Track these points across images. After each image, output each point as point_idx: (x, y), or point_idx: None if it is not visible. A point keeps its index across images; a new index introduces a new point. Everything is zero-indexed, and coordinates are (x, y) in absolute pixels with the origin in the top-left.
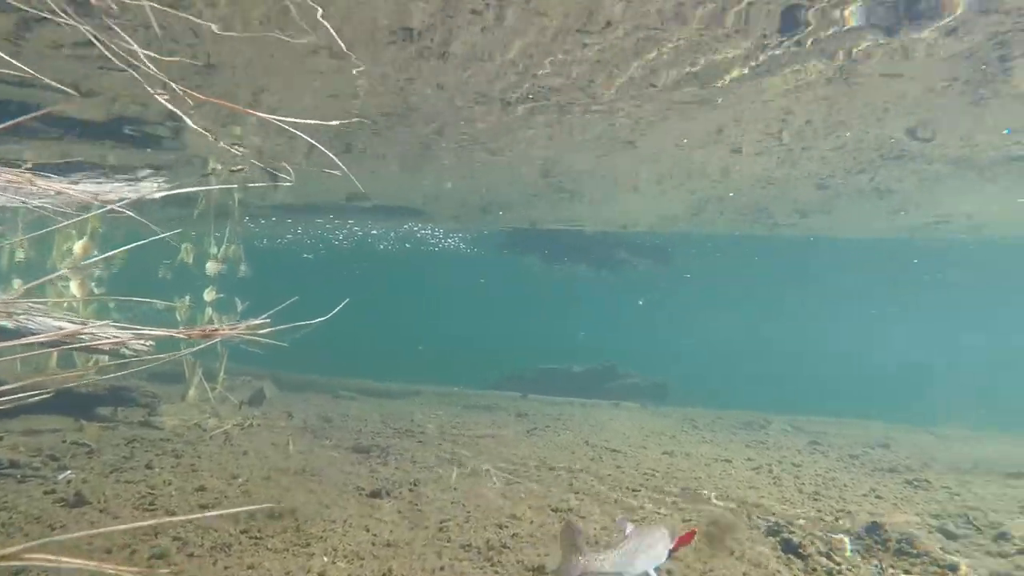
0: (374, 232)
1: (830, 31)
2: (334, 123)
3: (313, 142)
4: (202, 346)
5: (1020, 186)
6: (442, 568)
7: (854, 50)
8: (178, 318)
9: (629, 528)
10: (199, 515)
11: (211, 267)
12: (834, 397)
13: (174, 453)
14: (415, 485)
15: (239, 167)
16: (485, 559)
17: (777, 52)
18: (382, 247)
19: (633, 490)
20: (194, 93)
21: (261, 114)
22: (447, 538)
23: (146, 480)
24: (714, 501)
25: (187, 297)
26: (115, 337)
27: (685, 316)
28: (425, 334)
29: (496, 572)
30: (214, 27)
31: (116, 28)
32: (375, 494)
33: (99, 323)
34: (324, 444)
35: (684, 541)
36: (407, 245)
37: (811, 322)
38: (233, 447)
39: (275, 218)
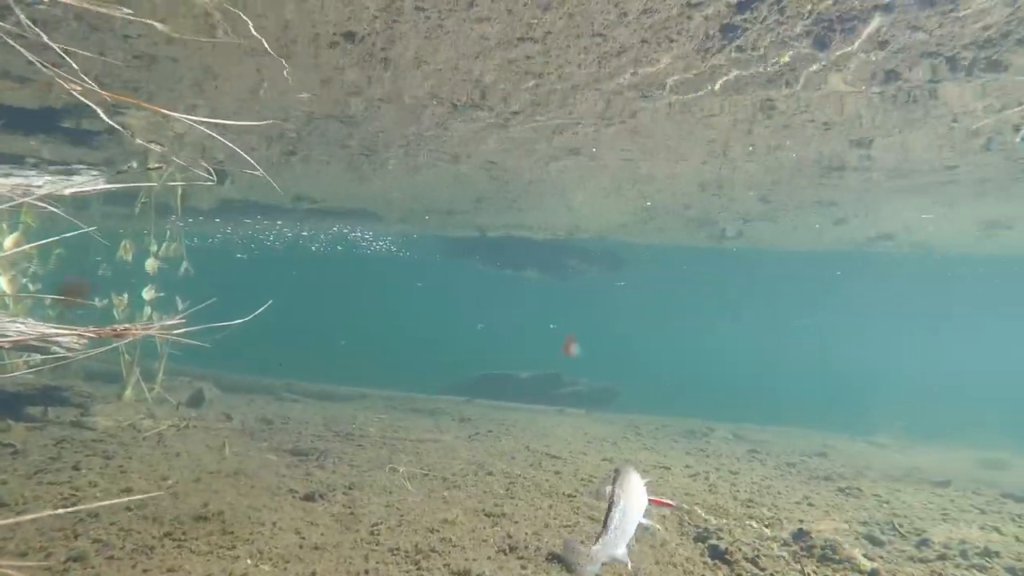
0: (304, 233)
1: (767, 41)
2: (260, 123)
3: (232, 146)
4: (112, 346)
5: (952, 200)
6: (367, 571)
7: (791, 63)
8: (116, 316)
9: (609, 489)
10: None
11: (151, 265)
12: (779, 406)
13: (104, 454)
14: (351, 488)
15: (157, 165)
16: (412, 563)
17: (717, 62)
18: (315, 248)
19: (569, 496)
20: (104, 92)
21: (174, 114)
22: (376, 541)
23: (71, 482)
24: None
25: (125, 295)
26: (22, 334)
27: (635, 324)
28: (374, 338)
29: (420, 574)
30: (158, 25)
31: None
32: (309, 497)
33: (7, 319)
34: (261, 447)
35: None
36: (339, 247)
37: (759, 332)
38: (166, 448)
39: (218, 219)
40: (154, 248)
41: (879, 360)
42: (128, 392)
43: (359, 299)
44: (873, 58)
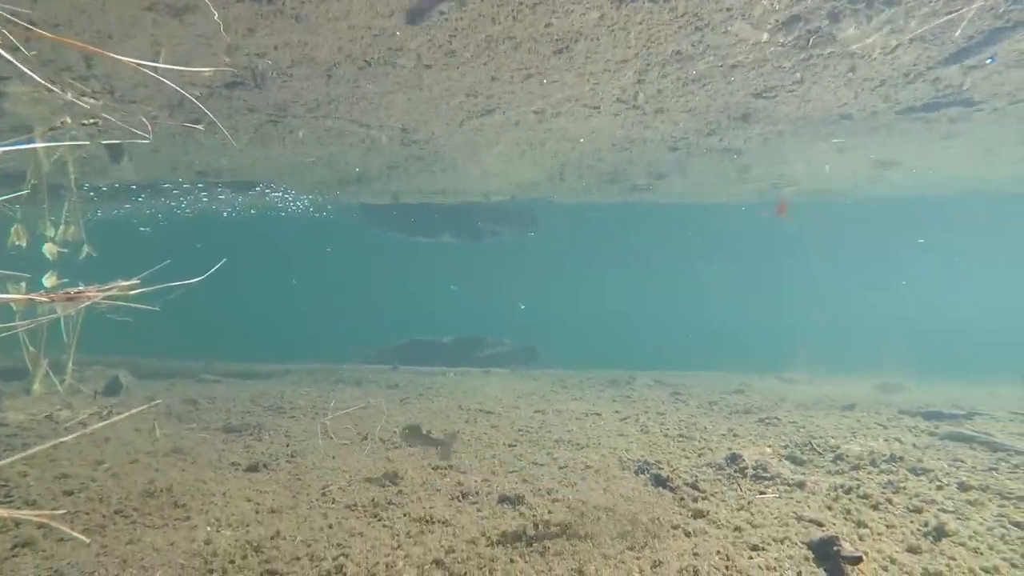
0: (221, 197)
1: None
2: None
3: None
4: (53, 316)
5: (852, 144)
6: (330, 526)
7: (699, 10)
8: (13, 308)
9: None
10: None
11: (49, 250)
12: (694, 353)
13: (25, 447)
14: (293, 457)
15: (93, 120)
16: (371, 515)
17: (631, 9)
18: (226, 214)
19: (510, 445)
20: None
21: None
22: (331, 500)
23: None
24: (587, 448)
25: (23, 284)
26: None
27: (551, 282)
28: (287, 310)
29: (384, 525)
30: None
31: None
32: (252, 468)
33: None
34: (191, 427)
35: None
36: (252, 212)
37: (670, 285)
38: (93, 435)
39: (120, 194)
40: (50, 232)
41: (785, 304)
42: (37, 386)
43: (272, 271)
44: (777, 4)
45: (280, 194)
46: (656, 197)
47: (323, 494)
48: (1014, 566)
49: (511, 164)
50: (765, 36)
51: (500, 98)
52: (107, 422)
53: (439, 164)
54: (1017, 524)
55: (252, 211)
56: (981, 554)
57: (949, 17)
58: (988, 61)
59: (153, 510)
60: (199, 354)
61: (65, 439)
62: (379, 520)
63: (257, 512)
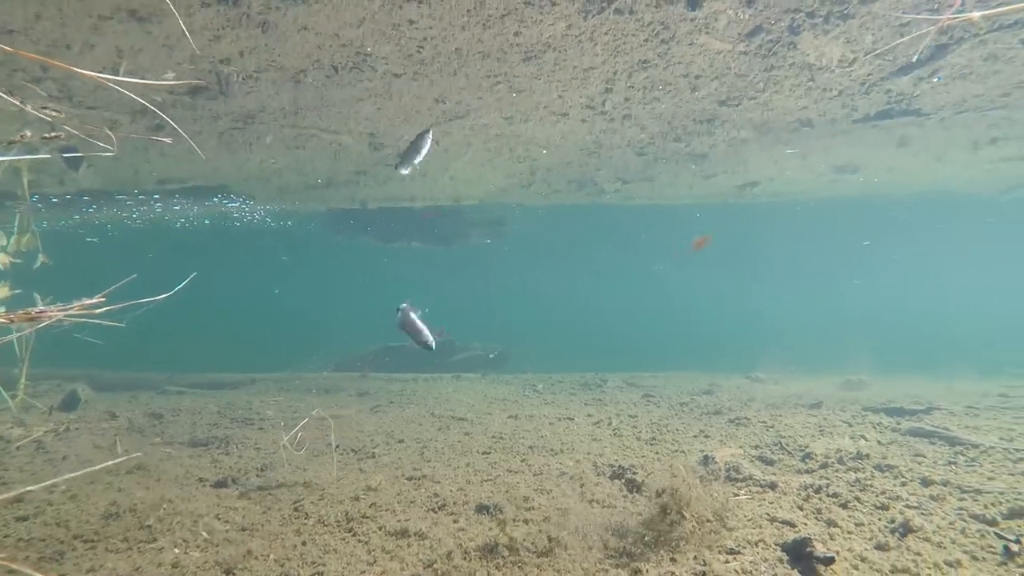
0: (176, 208)
1: (643, 4)
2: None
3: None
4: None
5: (812, 149)
6: (303, 543)
7: (665, 21)
8: None
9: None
10: None
11: (1, 260)
12: (663, 354)
13: None
14: (262, 470)
15: (55, 134)
16: (345, 530)
17: (597, 20)
18: (179, 225)
19: (484, 453)
20: None
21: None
22: (304, 515)
23: None
24: (561, 454)
25: None
26: None
27: (520, 286)
28: (257, 319)
29: (358, 540)
30: None
31: None
32: (221, 483)
33: None
34: (155, 442)
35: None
36: (207, 222)
37: (638, 288)
38: (49, 454)
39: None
40: (2, 242)
41: (750, 305)
42: None
43: (235, 279)
44: (740, 15)
45: (237, 204)
46: (622, 200)
47: (295, 509)
48: (975, 558)
49: (481, 169)
50: (729, 47)
51: (469, 105)
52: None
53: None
54: (975, 517)
55: (206, 221)
56: (944, 548)
57: (901, 33)
58: (936, 79)
59: (116, 533)
60: (162, 365)
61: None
62: (354, 535)
63: (227, 530)
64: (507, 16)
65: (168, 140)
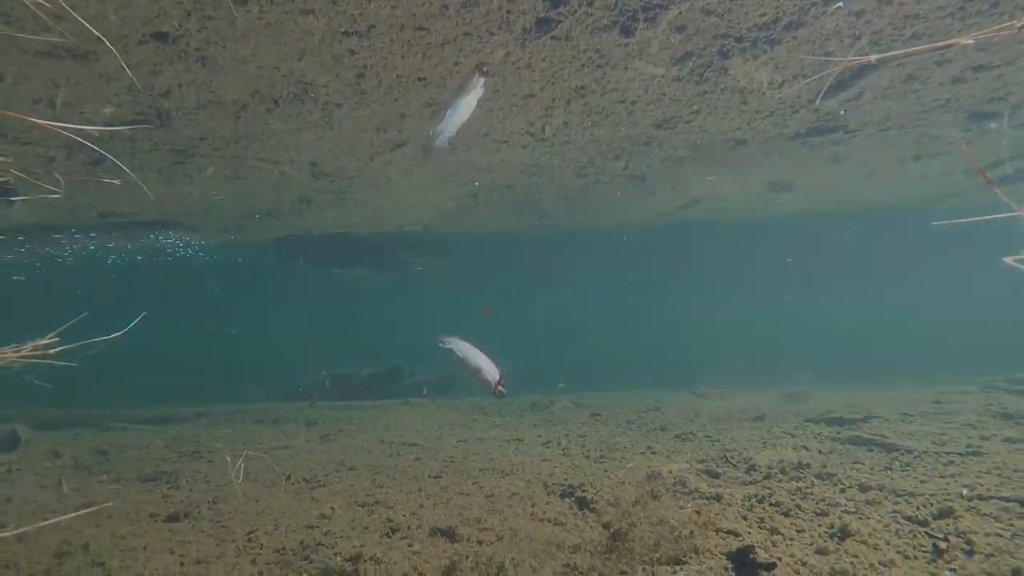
0: (110, 245)
1: (579, 31)
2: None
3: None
4: None
5: (744, 169)
6: (260, 573)
7: (600, 47)
8: None
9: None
10: None
11: None
12: (611, 374)
13: None
14: (214, 503)
15: (4, 179)
16: (301, 558)
17: (535, 47)
18: (111, 261)
19: (435, 477)
20: None
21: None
22: (259, 545)
23: None
24: (512, 475)
25: None
26: None
27: (464, 310)
28: (201, 351)
29: (316, 568)
30: None
31: None
32: (173, 518)
33: None
34: (102, 479)
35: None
36: (139, 257)
37: (582, 310)
38: None
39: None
40: None
41: (694, 322)
42: None
43: (176, 311)
44: (672, 40)
45: (172, 240)
46: (563, 223)
47: (249, 540)
48: (907, 557)
49: (424, 195)
50: (662, 71)
51: (410, 132)
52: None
53: (351, 197)
54: (908, 519)
55: (139, 257)
56: (880, 549)
57: (825, 57)
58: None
59: (68, 572)
60: (104, 402)
61: None
62: (310, 563)
63: (182, 564)
64: (447, 45)
65: (116, 181)
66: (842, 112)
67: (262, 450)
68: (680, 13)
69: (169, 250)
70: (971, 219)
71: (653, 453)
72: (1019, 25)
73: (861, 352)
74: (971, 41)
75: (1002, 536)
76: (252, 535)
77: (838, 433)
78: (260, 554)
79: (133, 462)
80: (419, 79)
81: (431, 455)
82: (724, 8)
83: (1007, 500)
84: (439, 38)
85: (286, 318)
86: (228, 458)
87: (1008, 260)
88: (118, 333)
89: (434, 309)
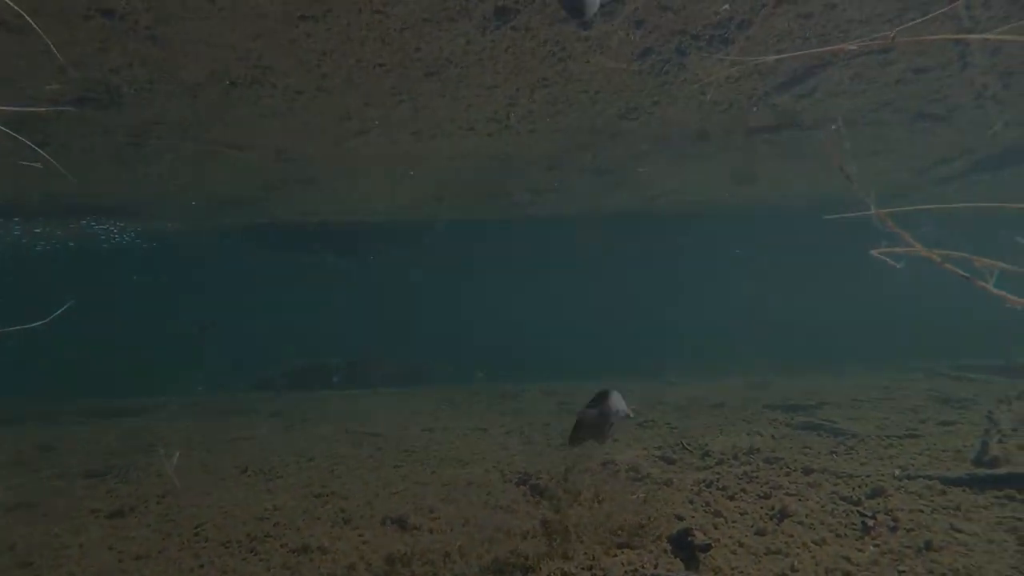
0: (37, 231)
1: (538, 22)
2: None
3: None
4: None
5: (711, 161)
6: (201, 566)
7: (560, 40)
8: None
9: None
10: None
11: None
12: (583, 364)
13: None
14: (164, 497)
15: None
16: (247, 551)
17: (495, 37)
18: (40, 248)
19: (395, 467)
20: None
21: None
22: (204, 539)
23: None
24: (471, 464)
25: None
26: None
27: (437, 300)
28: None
29: (260, 559)
30: None
31: None
32: (116, 513)
33: None
34: (44, 476)
35: None
36: (70, 244)
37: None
38: None
39: None
40: None
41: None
42: None
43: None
44: (631, 36)
45: (105, 227)
46: (536, 211)
47: (196, 533)
48: (838, 535)
49: (389, 184)
50: (624, 66)
51: (375, 120)
52: None
53: (317, 185)
54: (845, 499)
55: (71, 244)
56: (814, 528)
57: (777, 54)
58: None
59: None
60: (58, 396)
61: None
62: (255, 554)
63: (120, 560)
64: (406, 30)
65: (65, 169)
66: (798, 109)
67: (224, 441)
68: (637, 8)
69: (103, 236)
70: (839, 216)
71: (615, 440)
72: (891, 36)
73: (822, 342)
74: (854, 47)
75: (923, 512)
76: (199, 529)
77: (792, 419)
78: (205, 547)
79: (80, 457)
80: (379, 65)
81: (393, 445)
82: (680, 3)
83: (930, 478)
84: (398, 23)
85: (250, 307)
86: (178, 453)
87: (875, 252)
88: (39, 322)
89: (405, 297)
